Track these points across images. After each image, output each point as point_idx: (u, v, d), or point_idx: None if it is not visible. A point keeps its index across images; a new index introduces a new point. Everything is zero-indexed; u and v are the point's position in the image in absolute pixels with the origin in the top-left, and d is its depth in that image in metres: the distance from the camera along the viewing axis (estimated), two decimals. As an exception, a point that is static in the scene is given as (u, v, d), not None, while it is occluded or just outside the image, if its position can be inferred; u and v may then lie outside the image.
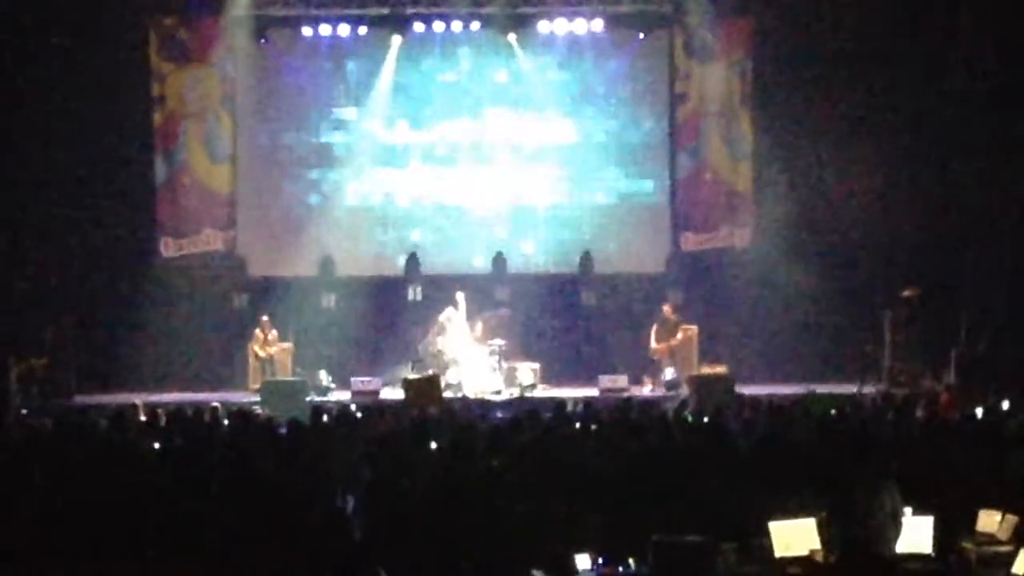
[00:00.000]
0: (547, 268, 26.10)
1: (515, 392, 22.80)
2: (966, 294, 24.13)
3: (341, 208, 25.92)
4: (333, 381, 23.55)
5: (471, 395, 22.24)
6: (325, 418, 16.03)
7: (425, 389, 20.85)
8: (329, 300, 25.49)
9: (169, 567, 9.73)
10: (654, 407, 17.92)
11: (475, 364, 23.40)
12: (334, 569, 9.87)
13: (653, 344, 23.78)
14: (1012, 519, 10.87)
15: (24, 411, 20.58)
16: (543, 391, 23.12)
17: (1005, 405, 16.69)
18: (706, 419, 15.52)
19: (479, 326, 23.96)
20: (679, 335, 23.77)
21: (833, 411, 16.77)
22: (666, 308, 24.15)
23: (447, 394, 21.69)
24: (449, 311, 24.00)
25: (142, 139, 25.38)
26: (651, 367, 23.82)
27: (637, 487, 11.42)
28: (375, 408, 18.36)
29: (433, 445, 13.79)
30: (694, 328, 24.18)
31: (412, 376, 22.05)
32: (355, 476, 11.98)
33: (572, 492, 11.31)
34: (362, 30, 25.60)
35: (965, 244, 24.62)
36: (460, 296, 23.99)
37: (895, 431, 14.24)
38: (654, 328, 23.88)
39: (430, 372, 22.47)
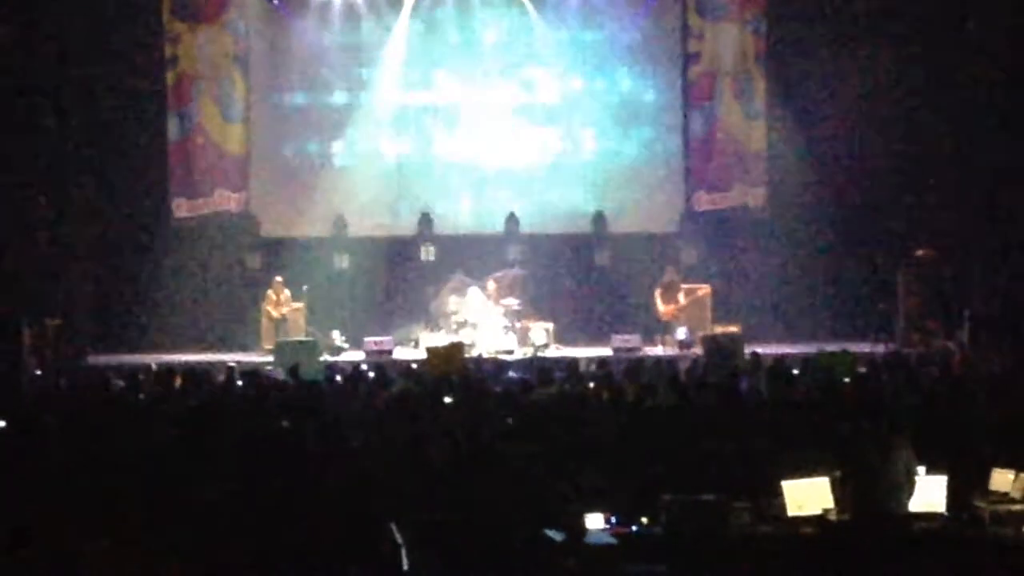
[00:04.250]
0: (560, 228, 26.07)
1: (528, 352, 22.79)
2: (979, 253, 24.09)
3: (354, 168, 25.89)
4: (346, 341, 23.58)
5: (484, 355, 22.23)
6: (338, 378, 16.07)
7: (448, 356, 20.65)
8: (342, 260, 25.51)
9: (183, 526, 9.76)
10: (667, 366, 17.91)
11: (488, 324, 23.38)
12: (348, 527, 9.90)
13: (660, 307, 23.76)
14: (1025, 478, 10.88)
15: (38, 372, 20.63)
16: (556, 351, 23.13)
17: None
18: (719, 378, 15.51)
19: (492, 286, 23.96)
20: (682, 297, 23.77)
21: (847, 369, 16.74)
22: (669, 270, 24.13)
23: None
24: (461, 275, 24.08)
25: (155, 100, 25.33)
26: (663, 327, 23.81)
27: (650, 446, 11.44)
28: (388, 368, 18.35)
29: (447, 400, 13.84)
30: (707, 288, 24.20)
31: (435, 343, 22.00)
32: (367, 436, 11.98)
33: (585, 451, 11.32)
34: (375, -10, 25.59)
35: (979, 204, 24.54)
36: (473, 291, 23.94)
37: (909, 390, 14.22)
38: (658, 291, 23.86)
39: (453, 339, 22.38)
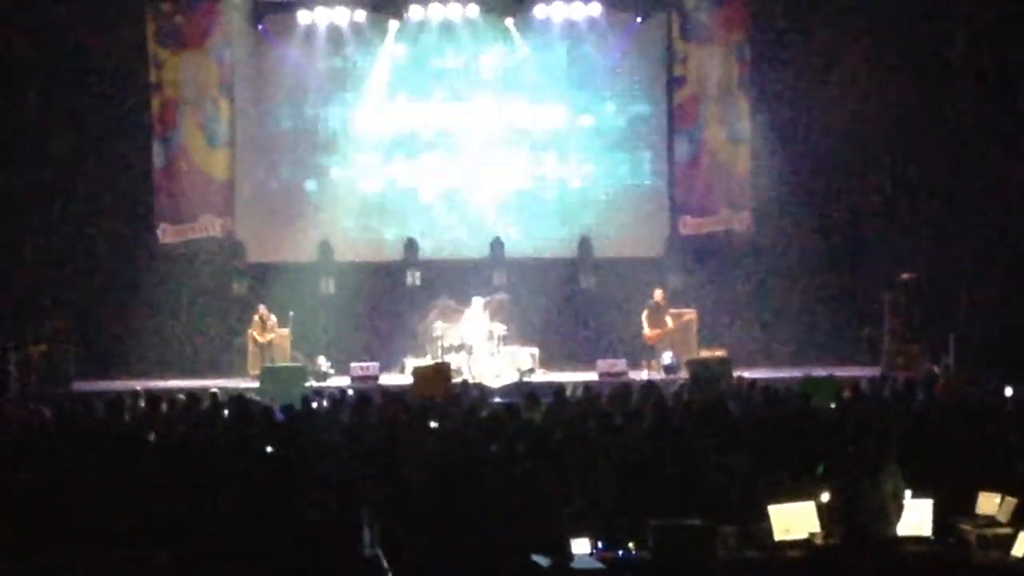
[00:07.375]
0: (545, 253, 26.07)
1: (514, 377, 22.77)
2: (964, 277, 24.13)
3: (339, 193, 25.91)
4: (332, 366, 23.53)
5: (470, 380, 22.18)
6: (324, 404, 16.04)
7: (433, 378, 20.59)
8: (328, 285, 25.50)
9: (168, 552, 9.73)
10: (653, 391, 17.89)
11: (474, 349, 23.35)
12: (333, 553, 9.88)
13: (646, 331, 23.73)
14: (1011, 501, 10.87)
15: (23, 398, 20.54)
16: (542, 375, 23.11)
17: (1008, 391, 16.63)
18: (705, 403, 15.48)
19: (481, 311, 23.92)
20: (669, 321, 23.75)
21: (832, 397, 16.73)
22: (656, 294, 24.07)
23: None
24: (448, 300, 24.08)
25: (140, 125, 25.32)
26: (649, 351, 23.79)
27: (636, 471, 11.41)
28: (374, 393, 18.30)
29: (433, 425, 13.82)
30: (693, 312, 24.19)
31: (420, 365, 21.95)
32: (351, 460, 11.95)
33: (571, 476, 11.30)
34: (359, 16, 25.52)
35: (963, 227, 24.59)
36: (477, 300, 23.91)
37: (895, 414, 14.22)
38: (645, 314, 23.80)
39: (439, 361, 22.32)
